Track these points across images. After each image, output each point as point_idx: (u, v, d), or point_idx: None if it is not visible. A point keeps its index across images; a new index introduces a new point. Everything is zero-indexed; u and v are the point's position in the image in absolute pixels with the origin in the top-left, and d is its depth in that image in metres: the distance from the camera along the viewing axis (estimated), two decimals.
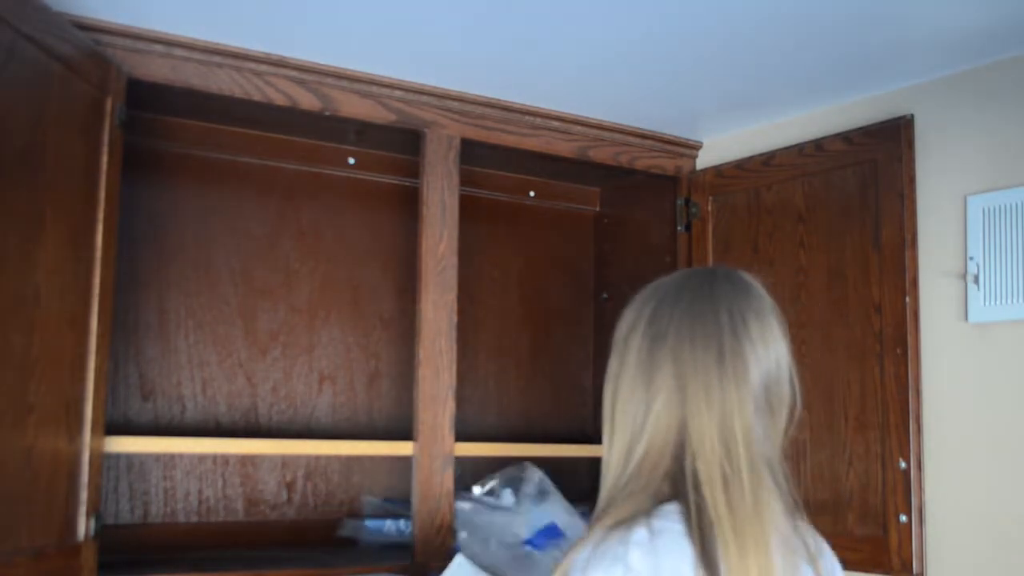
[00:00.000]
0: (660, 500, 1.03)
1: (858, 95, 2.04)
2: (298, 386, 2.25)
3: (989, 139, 1.83)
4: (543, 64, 1.92)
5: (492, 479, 2.11)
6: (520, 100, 2.14)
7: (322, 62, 1.93)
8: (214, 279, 2.17)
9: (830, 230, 2.01)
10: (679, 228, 2.35)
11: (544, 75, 1.99)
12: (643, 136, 2.32)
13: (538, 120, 2.19)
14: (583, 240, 2.71)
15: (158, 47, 1.79)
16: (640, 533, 0.99)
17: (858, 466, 1.90)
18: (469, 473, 2.17)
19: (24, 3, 1.42)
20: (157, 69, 1.80)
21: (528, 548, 1.96)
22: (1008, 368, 1.77)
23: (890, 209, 1.90)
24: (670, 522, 1.00)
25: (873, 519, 1.86)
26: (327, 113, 1.97)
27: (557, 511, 2.05)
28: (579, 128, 2.24)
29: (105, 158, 1.65)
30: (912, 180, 1.89)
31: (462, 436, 2.10)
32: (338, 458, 2.26)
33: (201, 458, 2.11)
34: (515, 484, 2.10)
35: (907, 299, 1.86)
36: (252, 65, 1.88)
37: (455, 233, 2.07)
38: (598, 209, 2.72)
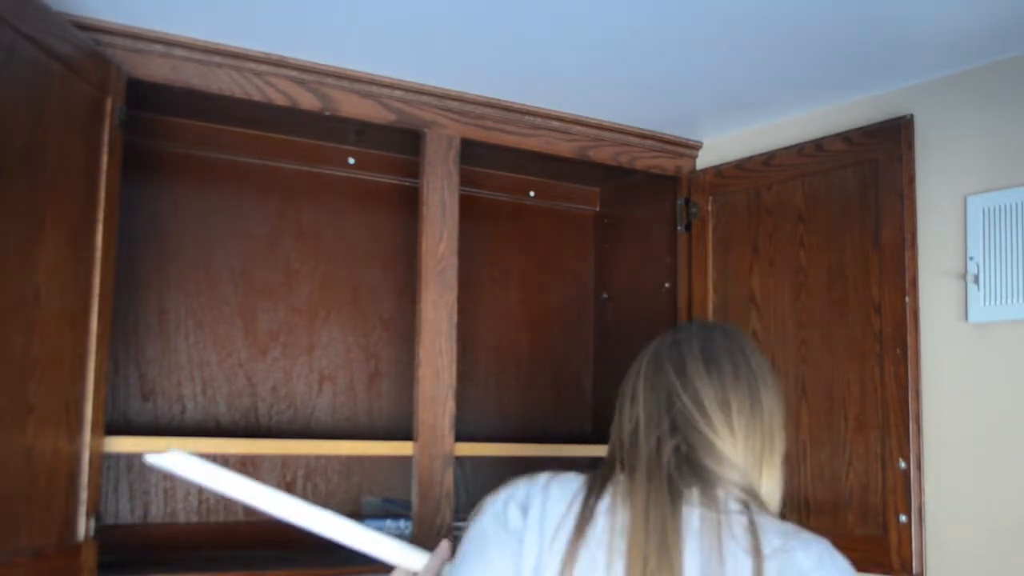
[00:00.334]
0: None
1: (858, 95, 2.04)
2: (298, 386, 2.25)
3: (989, 139, 1.83)
4: (543, 64, 1.92)
5: None
6: (520, 100, 2.14)
7: (322, 62, 1.93)
8: (214, 279, 2.17)
9: (830, 230, 2.01)
10: (679, 228, 2.35)
11: (544, 75, 1.99)
12: (643, 136, 2.32)
13: (538, 120, 2.19)
14: (583, 240, 2.71)
15: (158, 47, 1.79)
16: (543, 476, 1.11)
17: (858, 466, 1.90)
18: (469, 473, 2.17)
19: (24, 3, 1.42)
20: (157, 69, 1.80)
21: None
22: (1008, 368, 1.77)
23: (890, 209, 1.90)
24: (574, 475, 1.11)
25: (873, 519, 1.86)
26: (327, 113, 1.97)
27: None
28: (579, 128, 2.24)
29: (105, 158, 1.65)
30: (912, 180, 1.89)
31: (462, 436, 2.10)
32: (338, 458, 2.26)
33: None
34: None
35: (907, 299, 1.85)
36: (252, 65, 1.88)
37: (455, 233, 2.07)
38: (598, 209, 2.72)
